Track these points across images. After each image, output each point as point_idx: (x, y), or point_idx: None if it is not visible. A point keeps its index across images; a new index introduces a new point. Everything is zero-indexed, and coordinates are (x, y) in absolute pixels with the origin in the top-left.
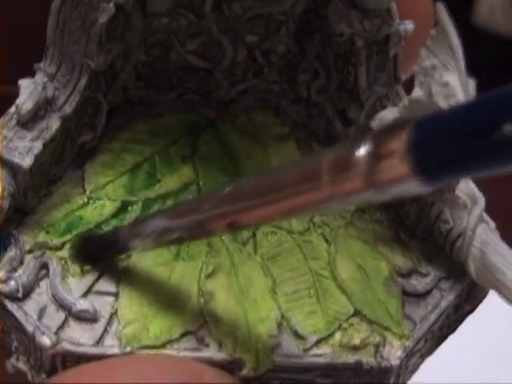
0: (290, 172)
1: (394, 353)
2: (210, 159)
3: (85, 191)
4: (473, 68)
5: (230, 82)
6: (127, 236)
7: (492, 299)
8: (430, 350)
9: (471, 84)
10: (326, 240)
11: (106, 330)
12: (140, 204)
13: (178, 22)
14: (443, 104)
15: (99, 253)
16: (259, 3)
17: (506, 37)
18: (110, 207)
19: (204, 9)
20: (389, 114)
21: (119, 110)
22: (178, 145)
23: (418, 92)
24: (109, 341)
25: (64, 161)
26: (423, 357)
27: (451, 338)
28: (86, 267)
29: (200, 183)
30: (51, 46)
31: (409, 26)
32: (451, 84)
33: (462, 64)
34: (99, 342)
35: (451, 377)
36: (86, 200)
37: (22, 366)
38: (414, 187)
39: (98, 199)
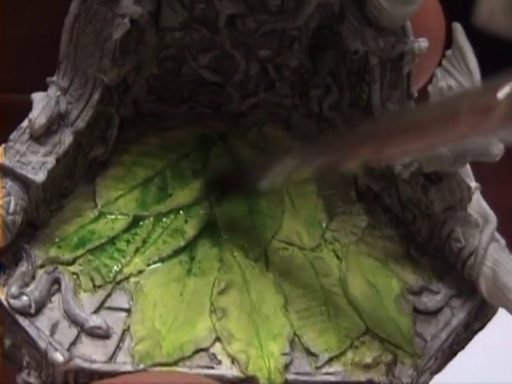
0: (431, 111)
1: (405, 371)
2: None
3: (96, 205)
4: None
5: (241, 96)
6: (255, 176)
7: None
8: (440, 367)
9: None
10: (338, 256)
11: (118, 347)
12: (152, 219)
13: (191, 36)
14: None
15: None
16: (273, 19)
17: (507, 38)
18: (121, 222)
19: (218, 24)
20: None
21: (130, 123)
22: (189, 159)
23: None
24: (121, 357)
25: (75, 175)
26: (433, 374)
27: (460, 355)
28: (98, 282)
29: (211, 198)
30: (64, 60)
31: (423, 43)
32: None
33: (479, 82)
34: (112, 358)
35: None
36: (97, 214)
37: (33, 380)
38: None
39: (110, 213)
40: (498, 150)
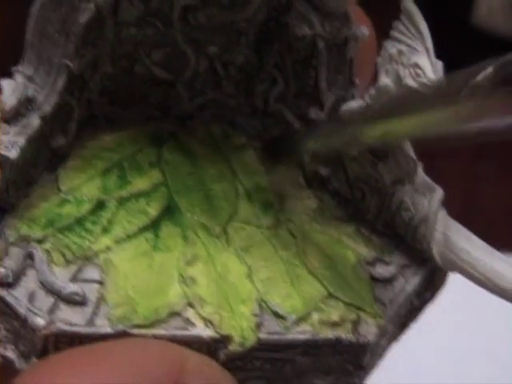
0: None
1: (370, 330)
2: (176, 166)
3: (60, 191)
4: None
5: (190, 96)
6: (303, 136)
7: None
8: (395, 336)
9: (439, 64)
10: (293, 235)
11: (95, 313)
12: (115, 202)
13: (145, 31)
14: (413, 84)
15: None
16: (223, 11)
17: (506, 37)
18: (86, 205)
19: (172, 17)
20: (355, 104)
21: (84, 124)
22: (144, 153)
23: (384, 79)
24: (99, 321)
25: (39, 165)
26: (390, 341)
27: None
28: (69, 257)
29: (169, 184)
30: (29, 49)
31: (365, 30)
32: (420, 64)
33: (430, 43)
34: (90, 322)
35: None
36: (61, 199)
37: (9, 354)
38: None
39: (74, 198)
40: None
